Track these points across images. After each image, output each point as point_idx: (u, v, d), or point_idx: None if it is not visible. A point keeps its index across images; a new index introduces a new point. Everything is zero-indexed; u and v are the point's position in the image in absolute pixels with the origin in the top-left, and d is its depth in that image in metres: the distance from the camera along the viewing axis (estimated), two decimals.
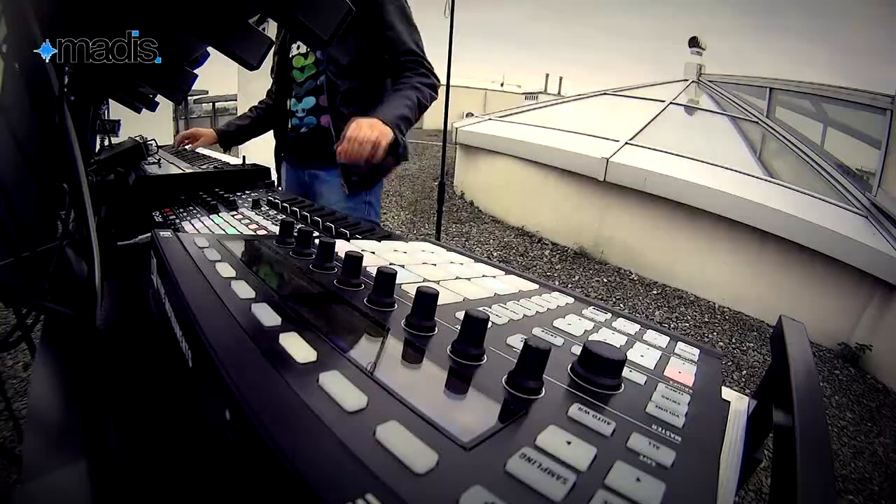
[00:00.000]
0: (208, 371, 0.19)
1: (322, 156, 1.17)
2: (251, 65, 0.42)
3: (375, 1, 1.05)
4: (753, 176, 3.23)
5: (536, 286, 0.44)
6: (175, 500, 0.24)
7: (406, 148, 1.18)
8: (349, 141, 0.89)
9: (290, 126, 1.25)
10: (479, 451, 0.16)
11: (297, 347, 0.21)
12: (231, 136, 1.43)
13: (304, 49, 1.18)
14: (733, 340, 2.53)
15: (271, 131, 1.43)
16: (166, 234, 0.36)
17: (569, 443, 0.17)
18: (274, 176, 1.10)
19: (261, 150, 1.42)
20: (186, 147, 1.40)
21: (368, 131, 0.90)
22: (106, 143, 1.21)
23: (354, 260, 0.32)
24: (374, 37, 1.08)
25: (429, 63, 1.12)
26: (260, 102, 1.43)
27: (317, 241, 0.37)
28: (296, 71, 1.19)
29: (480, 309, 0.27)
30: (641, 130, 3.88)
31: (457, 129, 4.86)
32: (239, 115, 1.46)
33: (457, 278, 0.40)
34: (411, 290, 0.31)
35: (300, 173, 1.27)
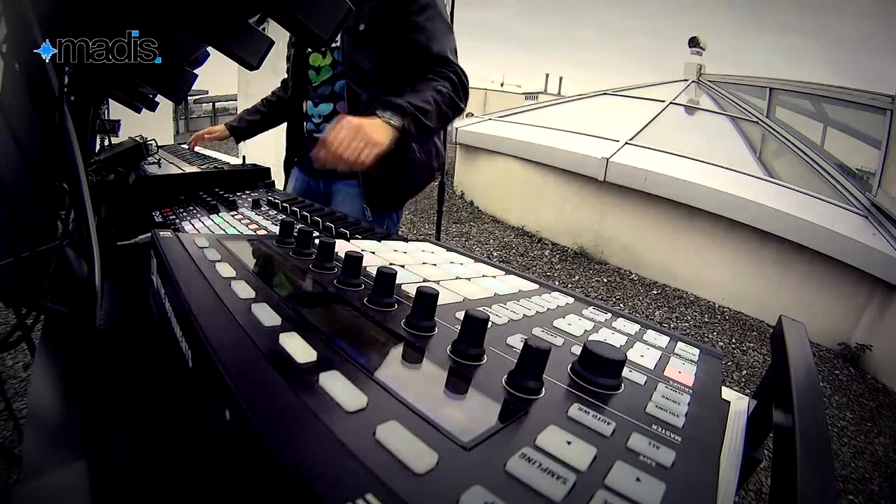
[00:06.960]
0: (208, 371, 0.19)
1: None
2: (251, 65, 0.42)
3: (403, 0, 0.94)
4: (753, 176, 3.23)
5: (536, 286, 0.44)
6: (175, 501, 0.24)
7: (438, 153, 1.09)
8: (325, 147, 0.77)
9: (305, 131, 1.14)
10: (479, 451, 0.16)
11: (297, 347, 0.21)
12: (242, 133, 1.38)
13: None
14: (733, 340, 2.53)
15: (274, 130, 1.38)
16: (166, 234, 0.36)
17: (569, 443, 0.17)
18: (274, 177, 1.08)
19: (261, 150, 1.42)
20: (202, 143, 1.40)
21: (350, 138, 0.77)
22: (106, 143, 1.22)
23: (354, 260, 0.32)
24: (401, 40, 0.96)
25: (460, 69, 0.98)
26: (272, 94, 1.35)
27: (317, 241, 0.37)
28: (311, 71, 1.08)
29: (480, 309, 0.27)
30: (641, 130, 3.88)
31: (457, 129, 4.86)
32: (248, 108, 1.39)
33: (457, 278, 0.40)
34: (411, 290, 0.31)
35: (312, 182, 1.17)
